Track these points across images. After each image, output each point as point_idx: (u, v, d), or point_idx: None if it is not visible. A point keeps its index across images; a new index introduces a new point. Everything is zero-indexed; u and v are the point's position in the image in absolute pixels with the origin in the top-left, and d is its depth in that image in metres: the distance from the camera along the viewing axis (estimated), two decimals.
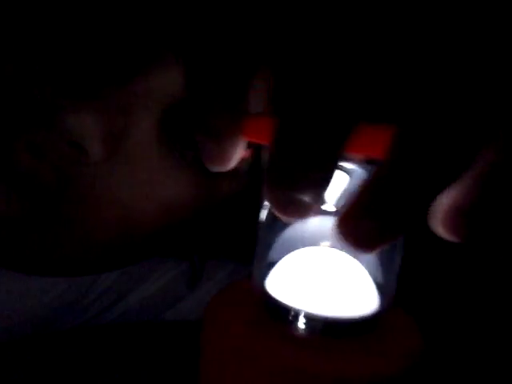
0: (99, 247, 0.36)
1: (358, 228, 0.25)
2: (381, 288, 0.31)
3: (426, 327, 0.31)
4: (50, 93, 0.33)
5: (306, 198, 0.27)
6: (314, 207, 0.27)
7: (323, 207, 0.30)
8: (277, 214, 0.27)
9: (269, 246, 0.33)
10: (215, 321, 0.30)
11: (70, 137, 0.32)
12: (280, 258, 0.32)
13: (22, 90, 0.33)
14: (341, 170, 0.29)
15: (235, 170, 0.34)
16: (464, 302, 0.37)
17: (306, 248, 0.32)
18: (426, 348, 0.30)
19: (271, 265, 0.32)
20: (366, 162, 0.29)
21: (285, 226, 0.32)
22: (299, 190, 0.26)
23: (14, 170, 0.33)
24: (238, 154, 0.31)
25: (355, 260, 0.31)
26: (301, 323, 0.29)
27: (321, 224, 0.32)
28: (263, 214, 0.31)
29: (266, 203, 0.30)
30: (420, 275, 0.38)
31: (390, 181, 0.25)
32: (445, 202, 0.24)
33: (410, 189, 0.24)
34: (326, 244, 0.32)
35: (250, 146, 0.32)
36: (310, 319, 0.29)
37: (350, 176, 0.29)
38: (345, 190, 0.30)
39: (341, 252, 0.32)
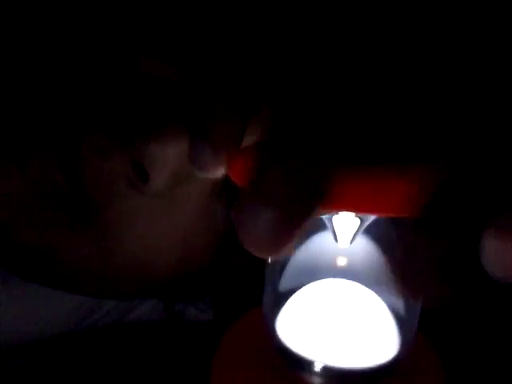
0: (106, 278, 0.36)
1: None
2: (401, 323, 0.29)
3: (448, 355, 0.30)
4: (145, 113, 0.32)
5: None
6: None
7: None
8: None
9: (278, 277, 0.30)
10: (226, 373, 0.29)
11: (140, 159, 0.31)
12: (291, 292, 0.30)
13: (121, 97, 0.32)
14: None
15: None
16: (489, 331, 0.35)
17: (319, 281, 0.30)
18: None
19: (282, 298, 0.30)
20: None
21: (295, 254, 0.30)
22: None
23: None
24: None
25: (373, 293, 0.29)
26: (316, 373, 0.28)
27: (334, 253, 0.30)
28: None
29: None
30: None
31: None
32: None
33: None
34: (340, 276, 0.30)
35: None
36: (326, 370, 0.27)
37: (363, 220, 0.26)
38: (356, 233, 0.27)
39: (357, 285, 0.29)
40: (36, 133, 0.32)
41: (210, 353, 0.31)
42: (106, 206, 0.33)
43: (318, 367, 0.28)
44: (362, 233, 0.28)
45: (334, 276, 0.30)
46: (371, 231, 0.29)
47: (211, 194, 0.35)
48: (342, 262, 0.30)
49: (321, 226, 0.28)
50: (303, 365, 0.28)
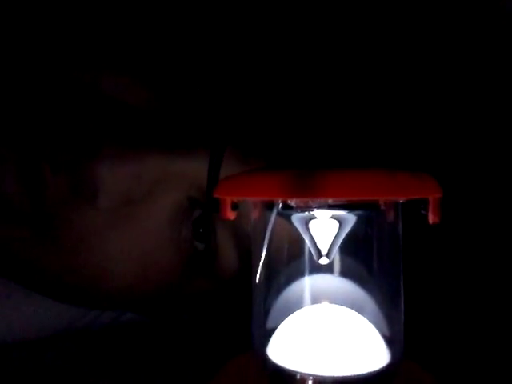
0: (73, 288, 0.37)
1: None
2: (389, 340, 0.30)
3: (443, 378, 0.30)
4: (91, 135, 0.34)
5: None
6: None
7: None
8: None
9: (266, 310, 0.31)
10: None
11: (89, 177, 0.33)
12: (279, 322, 0.31)
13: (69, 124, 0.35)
14: (332, 217, 0.28)
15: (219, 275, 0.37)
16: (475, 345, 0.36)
17: (306, 308, 0.31)
18: None
19: (272, 330, 0.31)
20: (354, 208, 0.28)
21: (280, 287, 0.31)
22: None
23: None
24: None
25: (358, 314, 0.30)
26: None
27: (318, 282, 0.31)
28: (256, 277, 0.30)
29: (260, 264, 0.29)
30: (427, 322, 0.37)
31: None
32: None
33: None
34: (326, 301, 0.31)
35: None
36: (319, 381, 0.27)
37: (341, 223, 0.28)
38: (336, 237, 0.29)
39: (342, 308, 0.30)
40: None
41: None
42: (63, 218, 0.35)
43: (310, 381, 0.28)
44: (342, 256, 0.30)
45: (321, 301, 0.31)
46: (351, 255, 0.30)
47: (175, 216, 0.37)
48: (328, 289, 0.31)
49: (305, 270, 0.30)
50: (296, 381, 0.28)
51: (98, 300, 0.39)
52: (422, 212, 0.27)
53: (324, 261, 0.29)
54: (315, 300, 0.31)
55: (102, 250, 0.36)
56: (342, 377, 0.27)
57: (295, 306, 0.31)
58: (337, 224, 0.28)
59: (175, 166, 0.36)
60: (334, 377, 0.27)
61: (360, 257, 0.30)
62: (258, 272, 0.30)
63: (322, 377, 0.27)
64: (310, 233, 0.29)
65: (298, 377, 0.28)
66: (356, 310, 0.30)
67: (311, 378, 0.28)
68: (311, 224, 0.28)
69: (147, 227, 0.36)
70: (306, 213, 0.28)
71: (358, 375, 0.27)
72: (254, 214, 0.30)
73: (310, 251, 0.29)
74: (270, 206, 0.28)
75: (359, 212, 0.28)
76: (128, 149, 0.34)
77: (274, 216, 0.28)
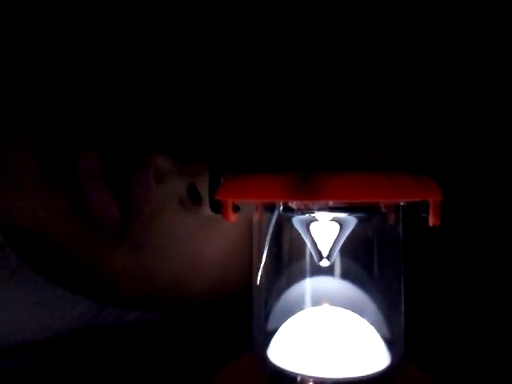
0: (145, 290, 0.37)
1: None
2: (389, 342, 0.30)
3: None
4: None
5: None
6: None
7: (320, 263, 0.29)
8: None
9: (266, 312, 0.31)
10: None
11: (197, 182, 0.34)
12: (280, 324, 0.31)
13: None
14: (333, 219, 0.28)
15: None
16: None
17: (307, 310, 0.31)
18: None
19: (272, 332, 0.31)
20: (355, 211, 0.28)
21: (281, 289, 0.31)
22: None
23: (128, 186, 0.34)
24: None
25: (359, 316, 0.30)
26: None
27: (319, 284, 0.31)
28: (257, 279, 0.30)
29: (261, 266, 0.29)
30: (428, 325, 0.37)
31: None
32: None
33: None
34: (326, 303, 0.31)
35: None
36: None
37: (342, 225, 0.28)
38: (337, 240, 0.29)
39: (343, 310, 0.30)
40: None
41: None
42: (155, 228, 0.35)
43: (312, 382, 0.28)
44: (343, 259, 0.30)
45: (322, 303, 0.31)
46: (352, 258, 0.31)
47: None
48: (328, 291, 0.31)
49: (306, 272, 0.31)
50: (298, 383, 0.28)
51: (171, 306, 0.39)
52: (423, 214, 0.27)
53: (325, 263, 0.29)
54: (316, 302, 0.31)
55: (187, 255, 0.36)
56: (343, 379, 0.27)
57: (296, 307, 0.31)
58: (338, 226, 0.28)
59: None
60: (334, 379, 0.27)
61: (361, 259, 0.30)
62: (259, 274, 0.30)
63: (322, 379, 0.27)
64: (310, 235, 0.29)
65: (299, 379, 0.28)
66: (356, 312, 0.30)
67: (312, 379, 0.28)
68: (312, 226, 0.28)
69: (230, 231, 0.36)
70: (307, 215, 0.28)
71: (358, 377, 0.28)
72: (255, 216, 0.30)
73: (310, 253, 0.30)
74: (271, 208, 0.28)
75: (360, 214, 0.28)
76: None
77: (275, 218, 0.28)
